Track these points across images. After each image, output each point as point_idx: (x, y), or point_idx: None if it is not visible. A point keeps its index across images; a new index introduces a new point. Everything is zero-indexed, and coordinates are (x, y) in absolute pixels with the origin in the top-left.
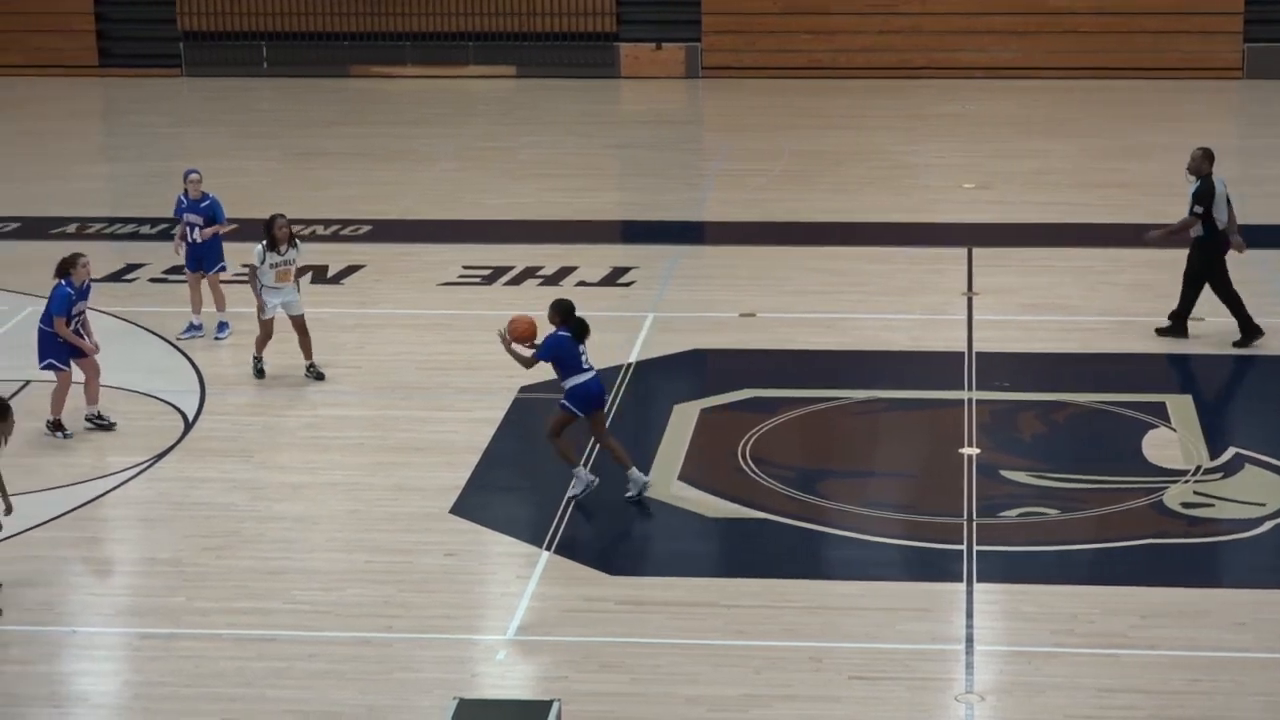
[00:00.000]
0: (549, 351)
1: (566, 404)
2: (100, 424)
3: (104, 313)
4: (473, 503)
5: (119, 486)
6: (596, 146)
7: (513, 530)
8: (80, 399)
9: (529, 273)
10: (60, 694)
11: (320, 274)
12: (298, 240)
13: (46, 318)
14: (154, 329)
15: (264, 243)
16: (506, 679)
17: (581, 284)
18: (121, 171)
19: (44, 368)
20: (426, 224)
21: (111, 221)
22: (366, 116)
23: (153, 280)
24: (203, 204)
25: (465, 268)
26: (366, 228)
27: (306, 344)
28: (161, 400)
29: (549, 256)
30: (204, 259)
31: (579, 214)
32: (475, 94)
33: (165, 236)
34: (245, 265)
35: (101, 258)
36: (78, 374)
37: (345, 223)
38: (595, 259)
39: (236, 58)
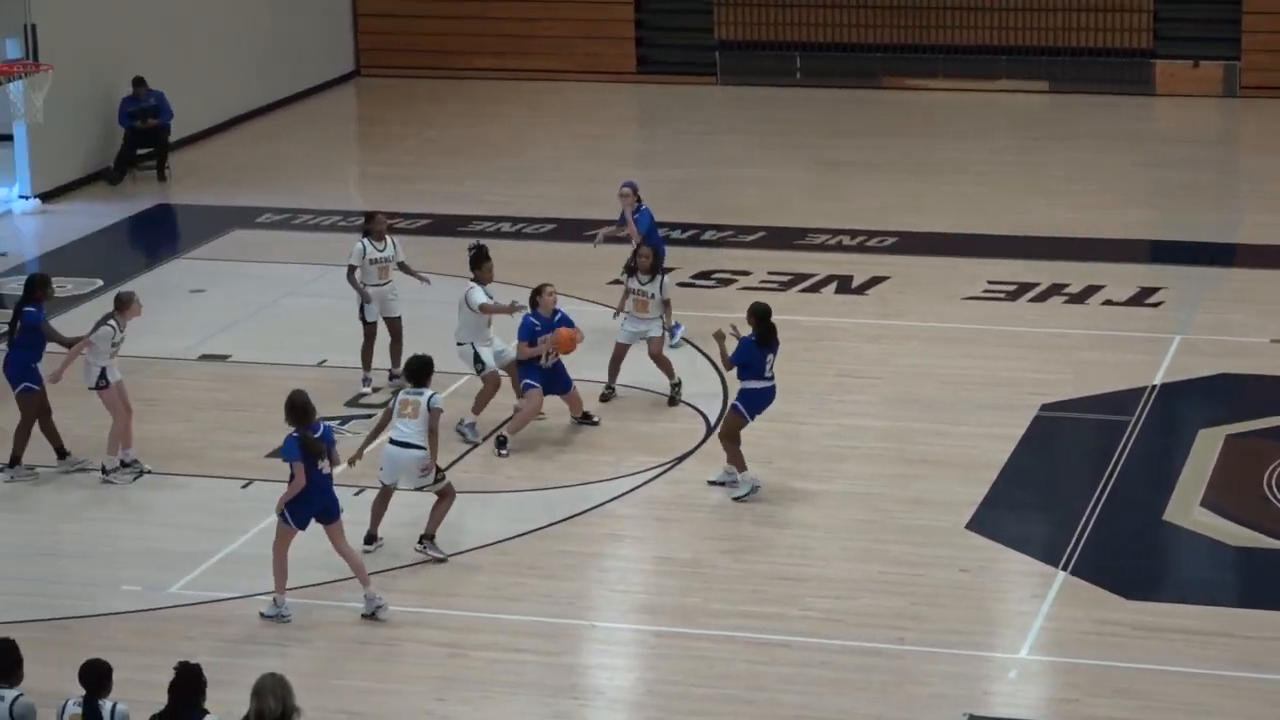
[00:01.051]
0: (741, 355)
1: (739, 405)
2: (587, 421)
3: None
4: (989, 519)
5: (641, 486)
6: (1128, 164)
7: (1029, 549)
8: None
9: (1055, 289)
10: (580, 686)
11: (845, 284)
12: (663, 276)
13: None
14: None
15: (626, 268)
16: (1017, 698)
17: (1108, 303)
18: (655, 177)
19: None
20: (953, 237)
21: None
22: (896, 128)
23: (680, 285)
24: (636, 215)
25: (990, 282)
26: (893, 239)
27: (667, 368)
28: (687, 404)
29: (1075, 274)
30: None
31: (1107, 232)
32: (1006, 108)
33: (694, 242)
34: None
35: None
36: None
37: (872, 233)
38: (1122, 278)
39: (770, 67)
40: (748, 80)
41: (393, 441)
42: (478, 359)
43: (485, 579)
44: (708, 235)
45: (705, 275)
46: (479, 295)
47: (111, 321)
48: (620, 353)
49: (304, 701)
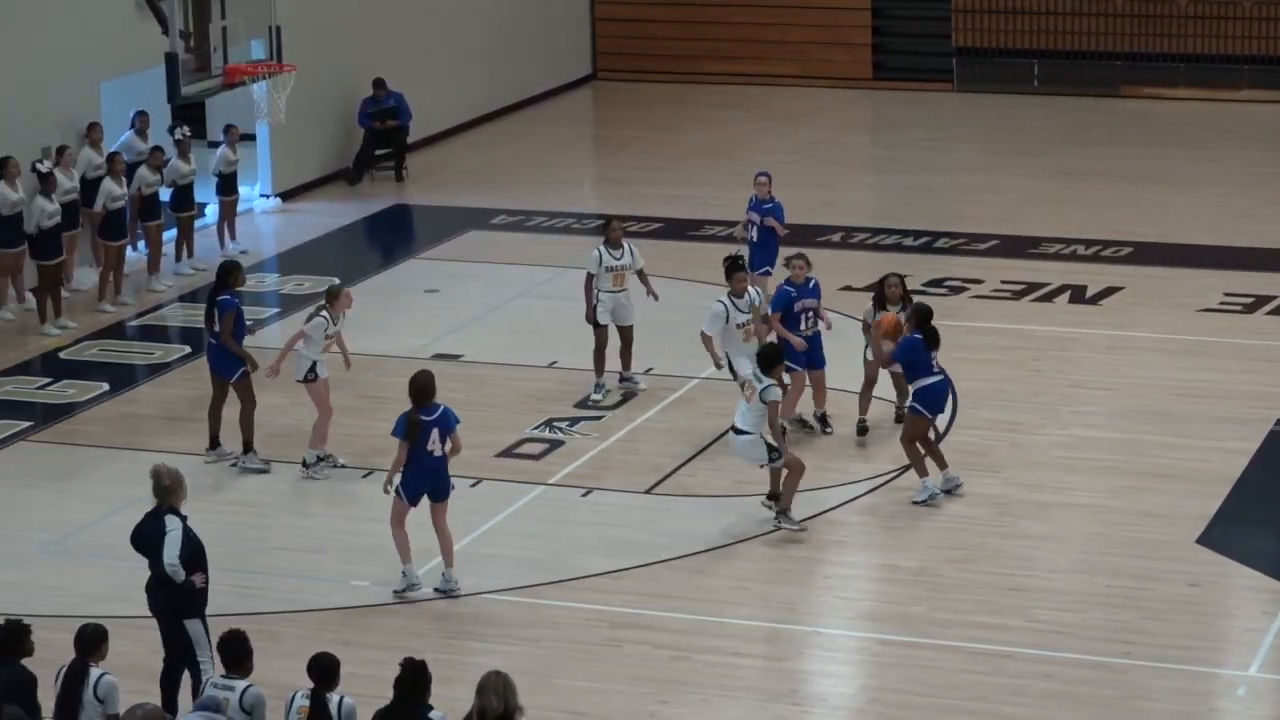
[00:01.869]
0: (904, 353)
1: (916, 406)
2: (822, 428)
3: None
4: (1220, 534)
5: (868, 493)
6: None
7: (1261, 565)
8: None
9: None
10: (801, 692)
11: (1078, 294)
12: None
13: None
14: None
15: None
16: (1245, 716)
17: None
18: (887, 183)
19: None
20: (1189, 248)
21: (875, 232)
22: (1134, 137)
23: (912, 291)
24: (767, 205)
25: (1227, 294)
26: (1128, 249)
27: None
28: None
29: None
30: (755, 259)
31: None
32: (1248, 118)
33: (926, 249)
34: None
35: (862, 268)
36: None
37: (1106, 243)
38: None
39: (1008, 75)
40: (984, 87)
41: (732, 427)
42: (732, 368)
43: (709, 582)
44: (940, 243)
45: (937, 283)
46: (714, 318)
47: (324, 313)
48: (873, 375)
49: (526, 700)
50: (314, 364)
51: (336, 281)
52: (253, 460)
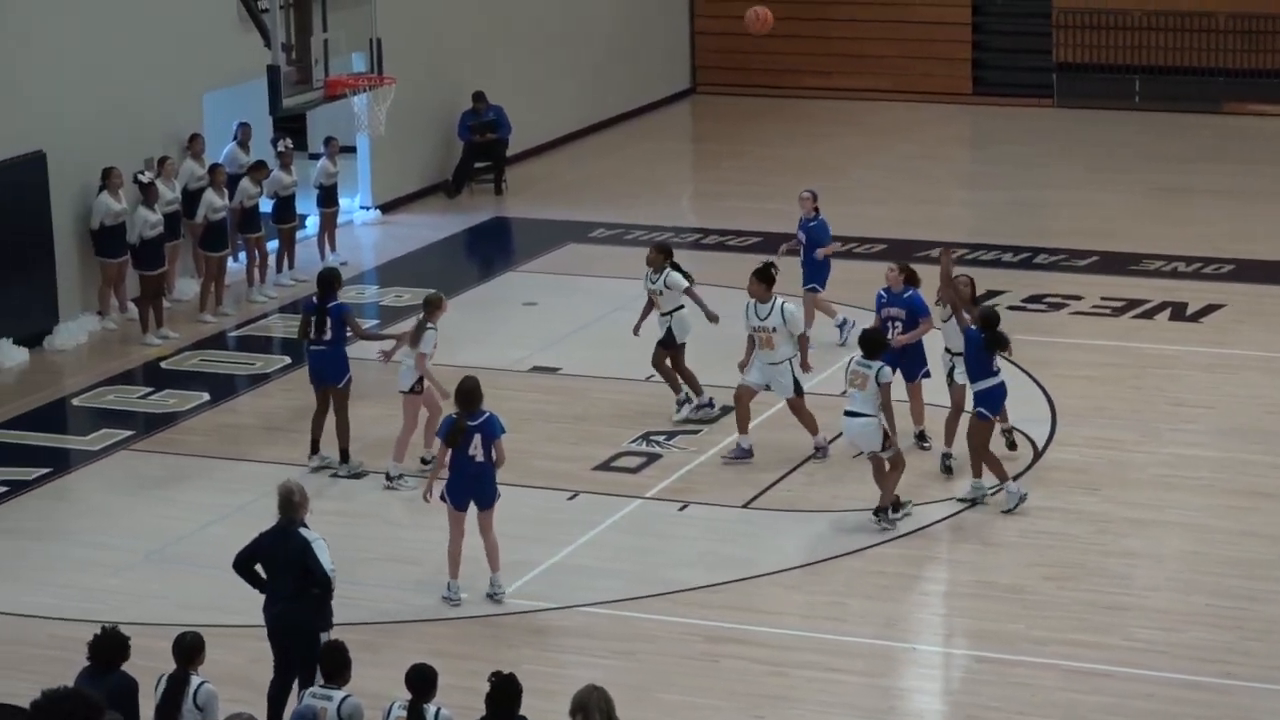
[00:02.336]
0: (971, 350)
1: (982, 411)
2: (919, 444)
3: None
4: None
5: (964, 510)
6: None
7: None
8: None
9: None
10: (898, 709)
11: (1179, 311)
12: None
13: None
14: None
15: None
16: None
17: None
18: (987, 199)
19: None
20: None
21: (974, 248)
22: (1236, 154)
23: (1010, 308)
24: (810, 223)
25: None
26: (1229, 267)
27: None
28: (1016, 429)
29: None
30: (804, 275)
31: None
32: None
33: (1026, 265)
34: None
35: None
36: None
37: (1208, 260)
38: None
39: (1109, 90)
40: (1085, 103)
41: (845, 411)
42: (741, 366)
43: (806, 598)
44: (1039, 259)
45: (1036, 299)
46: (749, 314)
47: (430, 325)
48: (960, 401)
49: (623, 713)
50: (420, 376)
51: (434, 291)
52: (355, 468)
